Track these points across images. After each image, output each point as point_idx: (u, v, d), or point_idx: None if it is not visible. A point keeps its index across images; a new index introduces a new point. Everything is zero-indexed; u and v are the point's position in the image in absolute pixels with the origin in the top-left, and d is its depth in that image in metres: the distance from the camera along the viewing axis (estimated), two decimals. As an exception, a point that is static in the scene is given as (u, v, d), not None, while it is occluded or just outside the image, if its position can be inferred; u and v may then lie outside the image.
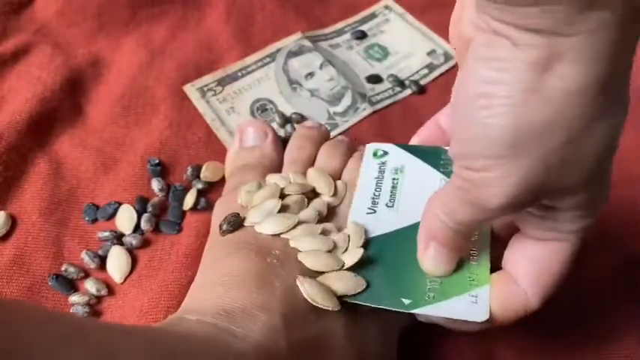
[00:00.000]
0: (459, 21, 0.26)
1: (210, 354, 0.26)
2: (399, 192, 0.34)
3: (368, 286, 0.30)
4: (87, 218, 0.39)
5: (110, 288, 0.37)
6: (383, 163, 0.35)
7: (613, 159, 0.25)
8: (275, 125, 0.45)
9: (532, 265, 0.28)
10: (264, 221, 0.32)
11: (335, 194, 0.35)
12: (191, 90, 0.47)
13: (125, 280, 0.37)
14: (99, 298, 0.36)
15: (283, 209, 0.33)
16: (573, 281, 0.37)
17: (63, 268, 0.37)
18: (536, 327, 0.36)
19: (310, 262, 0.30)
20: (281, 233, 0.32)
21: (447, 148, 0.33)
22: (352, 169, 0.36)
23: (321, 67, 0.49)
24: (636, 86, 0.47)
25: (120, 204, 0.40)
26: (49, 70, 0.45)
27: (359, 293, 0.29)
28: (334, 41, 0.52)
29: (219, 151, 0.43)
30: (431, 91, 0.49)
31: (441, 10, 0.53)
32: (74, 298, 0.35)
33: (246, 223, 0.33)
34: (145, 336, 0.25)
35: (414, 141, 0.34)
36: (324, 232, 0.32)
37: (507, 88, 0.22)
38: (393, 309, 0.29)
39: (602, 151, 0.23)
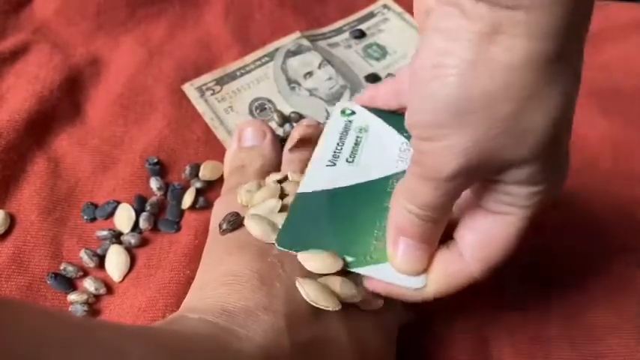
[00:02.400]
0: None
1: (213, 354, 0.26)
2: (360, 149, 0.35)
3: (309, 235, 0.30)
4: (85, 217, 0.39)
5: (109, 287, 0.37)
6: (349, 121, 0.36)
7: (570, 134, 0.25)
8: (274, 124, 0.45)
9: (477, 236, 0.28)
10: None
11: None
12: (190, 89, 0.47)
13: (124, 278, 0.37)
14: (97, 297, 0.36)
15: (283, 209, 0.33)
16: (568, 275, 0.38)
17: (62, 267, 0.37)
18: (534, 325, 0.36)
19: (311, 265, 0.29)
20: None
21: None
22: None
23: (319, 66, 0.49)
24: (637, 85, 0.48)
25: (118, 203, 0.40)
26: (48, 69, 0.45)
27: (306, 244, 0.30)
28: (333, 40, 0.52)
29: (217, 150, 0.43)
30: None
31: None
32: (73, 297, 0.36)
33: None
34: (154, 338, 0.25)
35: (366, 93, 0.36)
36: None
37: (455, 58, 0.22)
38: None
39: (550, 124, 0.23)
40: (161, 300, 0.35)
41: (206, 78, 0.48)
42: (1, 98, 0.44)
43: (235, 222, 0.32)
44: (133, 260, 0.38)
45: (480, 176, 0.26)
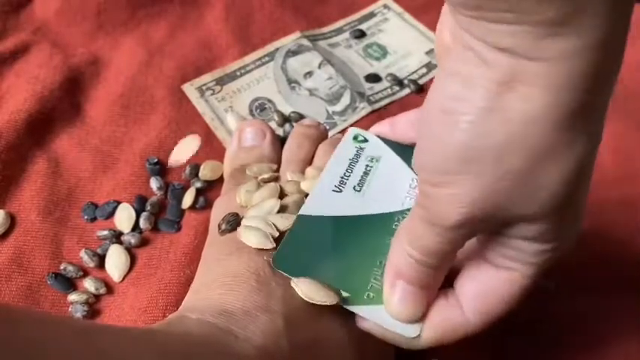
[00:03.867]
0: (441, 26, 0.26)
1: (213, 356, 0.25)
2: (369, 179, 0.34)
3: (307, 260, 0.29)
4: (86, 217, 0.39)
5: (109, 287, 0.37)
6: (361, 148, 0.35)
7: (587, 194, 0.24)
8: (274, 124, 0.45)
9: (478, 289, 0.27)
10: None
11: None
12: (190, 89, 0.47)
13: (124, 278, 0.37)
14: (98, 297, 0.36)
15: (282, 209, 0.33)
16: (570, 280, 0.38)
17: (62, 267, 0.37)
18: (531, 324, 0.36)
19: (303, 291, 0.28)
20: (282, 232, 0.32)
21: None
22: None
23: (319, 66, 0.49)
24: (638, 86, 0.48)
25: (119, 203, 0.40)
26: (48, 69, 0.45)
27: (304, 271, 0.29)
28: (333, 40, 0.52)
29: (217, 150, 0.43)
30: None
31: (440, 9, 0.53)
32: (73, 297, 0.36)
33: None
34: (155, 343, 0.25)
35: (386, 121, 0.35)
36: None
37: (469, 105, 0.21)
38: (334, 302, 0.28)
39: (565, 183, 0.22)
40: (161, 300, 0.35)
41: (206, 78, 0.48)
42: (1, 98, 0.44)
43: (234, 222, 0.32)
44: (133, 260, 0.38)
45: (485, 228, 0.25)
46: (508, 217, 0.23)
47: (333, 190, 0.33)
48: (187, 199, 0.40)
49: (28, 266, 0.37)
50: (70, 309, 0.35)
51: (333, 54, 0.51)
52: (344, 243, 0.31)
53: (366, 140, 0.35)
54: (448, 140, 0.22)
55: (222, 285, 0.29)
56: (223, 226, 0.32)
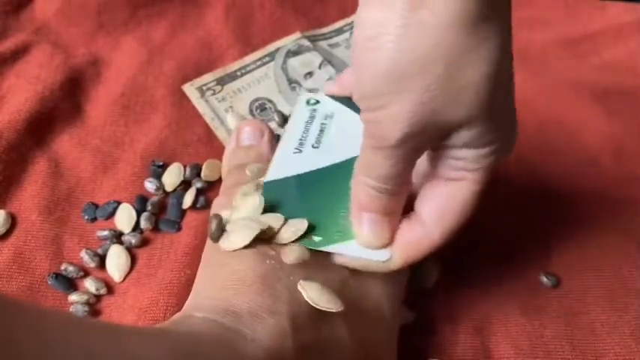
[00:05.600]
0: None
1: (225, 356, 0.26)
2: (326, 135, 0.35)
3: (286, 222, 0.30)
4: (86, 217, 0.39)
5: (109, 287, 0.37)
6: (314, 110, 0.37)
7: (512, 92, 0.27)
8: (274, 124, 0.45)
9: (435, 203, 0.29)
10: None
11: None
12: (190, 89, 0.47)
13: (124, 279, 0.37)
14: (98, 297, 0.36)
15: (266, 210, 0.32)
16: (568, 275, 0.38)
17: (62, 267, 0.37)
18: (534, 325, 0.36)
19: (309, 296, 0.29)
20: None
21: None
22: None
23: (320, 66, 0.49)
24: (638, 85, 0.48)
25: (119, 203, 0.40)
26: (49, 69, 0.45)
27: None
28: (333, 40, 0.52)
29: (218, 150, 0.43)
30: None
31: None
32: (74, 297, 0.36)
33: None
34: (171, 344, 0.25)
35: (337, 82, 0.37)
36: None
37: (389, 26, 0.24)
38: (306, 246, 0.30)
39: (484, 80, 0.24)
40: (162, 300, 0.35)
41: (207, 78, 0.48)
42: (1, 98, 0.44)
43: (223, 225, 0.31)
44: (133, 260, 0.38)
45: (427, 140, 0.26)
46: (444, 126, 0.25)
47: (294, 153, 0.34)
48: (188, 199, 0.40)
49: (29, 266, 0.37)
50: (70, 309, 0.35)
51: (333, 54, 0.51)
52: (310, 195, 0.32)
53: (317, 102, 0.37)
54: (376, 63, 0.24)
55: (228, 287, 0.29)
56: (215, 234, 0.31)
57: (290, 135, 0.35)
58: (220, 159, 0.41)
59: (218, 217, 0.31)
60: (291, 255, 0.30)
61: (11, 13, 0.49)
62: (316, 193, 0.32)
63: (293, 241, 0.30)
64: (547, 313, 0.36)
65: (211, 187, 0.41)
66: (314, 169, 0.33)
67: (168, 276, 0.36)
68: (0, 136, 0.41)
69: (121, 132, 0.44)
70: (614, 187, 0.42)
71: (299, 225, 0.31)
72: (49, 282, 0.36)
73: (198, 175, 0.41)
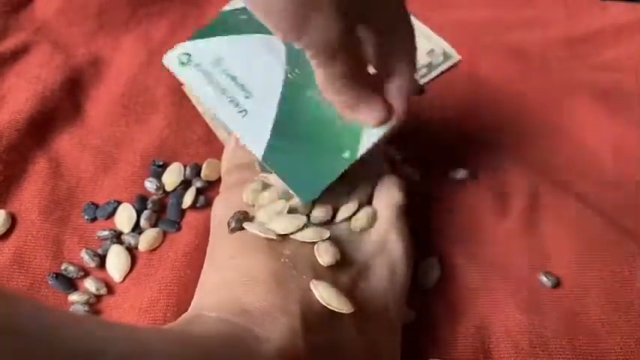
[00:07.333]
0: None
1: (239, 356, 0.26)
2: (240, 78, 0.32)
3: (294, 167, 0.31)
4: (86, 217, 0.39)
5: (110, 287, 0.37)
6: (197, 65, 0.32)
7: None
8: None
9: None
10: (273, 220, 0.32)
11: None
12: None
13: (124, 278, 0.37)
14: (98, 297, 0.36)
15: (291, 211, 0.33)
16: (568, 276, 0.38)
17: (63, 267, 0.37)
18: (534, 325, 0.36)
19: (322, 296, 0.29)
20: (291, 233, 0.32)
21: (225, 8, 0.33)
22: None
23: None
24: (637, 85, 0.48)
25: (119, 203, 0.40)
26: (49, 69, 0.45)
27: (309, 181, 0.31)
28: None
29: (218, 150, 0.43)
30: (430, 91, 0.49)
31: (441, 10, 0.53)
32: (74, 297, 0.36)
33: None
34: (182, 341, 0.25)
35: None
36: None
37: None
38: (346, 166, 0.31)
39: None
40: (162, 300, 0.35)
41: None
42: (2, 98, 0.44)
43: (244, 220, 0.32)
44: (133, 260, 0.38)
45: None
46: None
47: (242, 117, 0.32)
48: (187, 199, 0.40)
49: (29, 266, 0.37)
50: (70, 309, 0.35)
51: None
52: (299, 133, 0.32)
53: (189, 55, 0.33)
54: None
55: (239, 285, 0.29)
56: (233, 224, 0.32)
57: (216, 105, 0.32)
58: (220, 159, 0.41)
59: (245, 212, 0.33)
60: (326, 256, 0.30)
61: (11, 13, 0.49)
62: (301, 128, 0.32)
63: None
64: (547, 313, 0.36)
65: (211, 187, 0.41)
66: (274, 115, 0.32)
67: (168, 276, 0.36)
68: (0, 136, 0.41)
69: (121, 132, 0.44)
70: (614, 187, 0.42)
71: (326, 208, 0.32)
72: (50, 282, 0.36)
73: (198, 174, 0.41)
